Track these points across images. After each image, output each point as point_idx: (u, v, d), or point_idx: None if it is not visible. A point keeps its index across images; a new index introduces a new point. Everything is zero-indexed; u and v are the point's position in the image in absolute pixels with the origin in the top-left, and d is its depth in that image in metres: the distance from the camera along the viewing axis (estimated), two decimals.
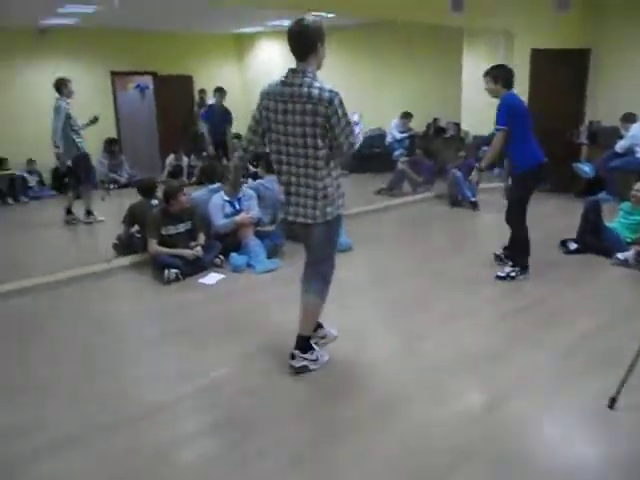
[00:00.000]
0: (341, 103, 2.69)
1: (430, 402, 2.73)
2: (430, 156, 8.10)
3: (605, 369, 2.88)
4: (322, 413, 2.67)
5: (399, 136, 9.03)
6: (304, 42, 2.69)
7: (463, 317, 3.72)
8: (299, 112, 2.68)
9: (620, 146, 6.86)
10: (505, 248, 4.62)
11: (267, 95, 2.79)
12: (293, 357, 3.00)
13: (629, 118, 6.91)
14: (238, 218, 4.89)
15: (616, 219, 5.13)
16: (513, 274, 4.33)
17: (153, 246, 4.62)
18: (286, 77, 2.73)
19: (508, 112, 4.13)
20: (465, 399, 2.76)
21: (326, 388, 2.89)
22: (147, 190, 5.22)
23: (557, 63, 7.70)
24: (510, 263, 4.42)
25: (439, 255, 5.09)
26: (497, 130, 4.15)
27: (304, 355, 3.00)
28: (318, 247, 2.94)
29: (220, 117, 8.06)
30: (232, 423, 2.61)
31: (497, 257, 4.67)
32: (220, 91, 8.14)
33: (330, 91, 2.66)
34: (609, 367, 2.83)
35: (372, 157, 9.52)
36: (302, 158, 2.76)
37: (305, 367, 2.99)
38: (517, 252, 4.40)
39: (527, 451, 2.34)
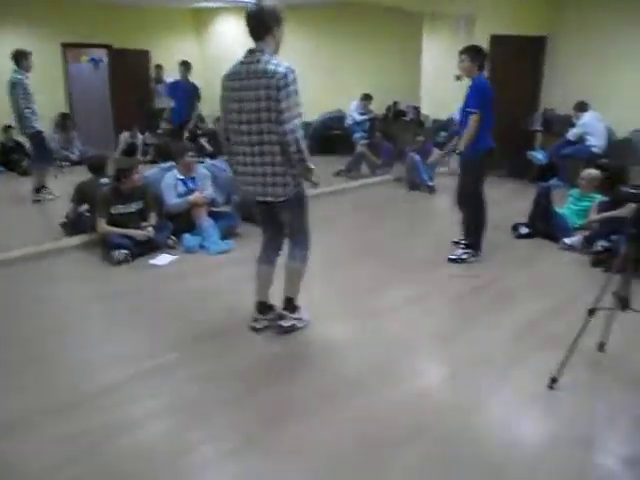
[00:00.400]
0: (295, 80, 2.68)
1: (383, 382, 2.75)
2: (389, 139, 8.12)
3: (550, 350, 2.95)
4: (274, 395, 2.65)
5: (359, 118, 9.00)
6: (260, 24, 2.74)
7: (417, 299, 3.75)
8: (254, 87, 2.70)
9: (572, 134, 7.03)
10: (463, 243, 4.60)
11: (227, 77, 2.85)
12: (281, 318, 3.17)
13: (581, 107, 7.08)
14: (191, 197, 4.78)
15: (566, 205, 5.27)
16: (464, 256, 4.41)
17: (102, 225, 4.48)
18: (244, 57, 2.79)
19: (480, 96, 4.19)
20: (417, 379, 2.79)
21: (279, 370, 2.88)
22: (97, 167, 5.05)
23: (515, 50, 7.78)
24: (462, 245, 4.49)
25: (395, 237, 5.12)
26: (469, 112, 4.17)
27: (293, 315, 3.18)
28: (291, 222, 3.03)
29: (187, 92, 7.75)
30: (180, 407, 2.57)
31: (456, 244, 4.69)
32: (185, 65, 7.79)
33: (287, 67, 2.68)
34: (554, 348, 2.90)
35: (331, 139, 9.48)
36: (256, 135, 2.76)
37: (294, 326, 3.18)
38: (472, 234, 4.46)
39: (474, 429, 2.40)
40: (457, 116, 4.68)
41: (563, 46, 7.88)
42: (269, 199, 2.89)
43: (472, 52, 4.25)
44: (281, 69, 2.66)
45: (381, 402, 2.59)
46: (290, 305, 3.20)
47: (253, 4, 2.78)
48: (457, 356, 3.04)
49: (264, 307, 3.24)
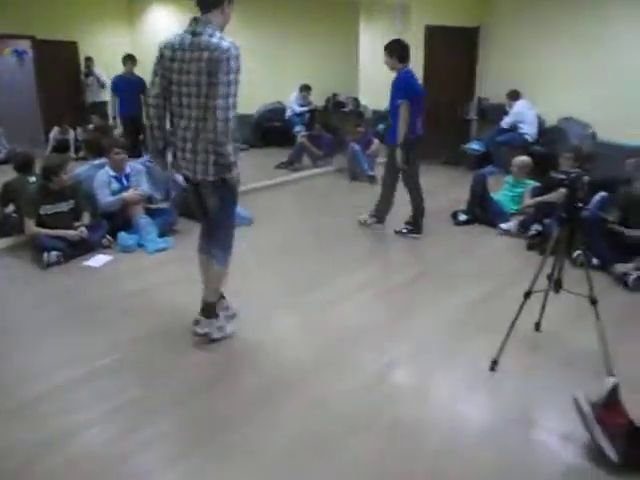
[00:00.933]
0: (237, 57, 2.55)
1: (327, 376, 2.74)
2: (330, 130, 8.10)
3: (489, 334, 3.03)
4: (217, 397, 2.59)
5: (299, 110, 8.95)
6: None
7: (359, 289, 3.76)
8: (196, 59, 2.57)
9: (505, 122, 7.24)
10: (406, 222, 4.90)
11: (167, 46, 2.68)
12: (197, 323, 2.95)
13: (514, 95, 7.30)
14: (126, 195, 4.59)
15: (501, 191, 5.42)
16: (404, 231, 4.82)
17: (30, 227, 4.24)
18: (188, 25, 2.64)
19: (406, 87, 4.47)
20: (360, 370, 2.79)
21: (221, 371, 2.80)
22: (23, 166, 4.76)
23: (449, 40, 7.94)
24: (405, 228, 4.86)
25: (337, 229, 5.12)
26: (399, 103, 4.41)
27: (209, 321, 2.96)
28: (212, 211, 2.85)
29: (133, 87, 7.41)
30: (120, 412, 2.46)
31: (397, 232, 4.91)
32: (131, 59, 7.46)
33: (230, 42, 2.56)
34: (492, 332, 2.97)
35: (272, 131, 9.39)
36: (195, 109, 2.63)
37: (209, 334, 2.95)
38: (414, 215, 4.83)
39: (419, 416, 2.42)
40: None
41: (495, 37, 8.09)
42: (198, 177, 2.72)
43: (389, 47, 4.52)
44: (225, 43, 2.54)
45: (325, 396, 2.58)
46: (207, 310, 2.96)
47: None
48: (399, 345, 3.07)
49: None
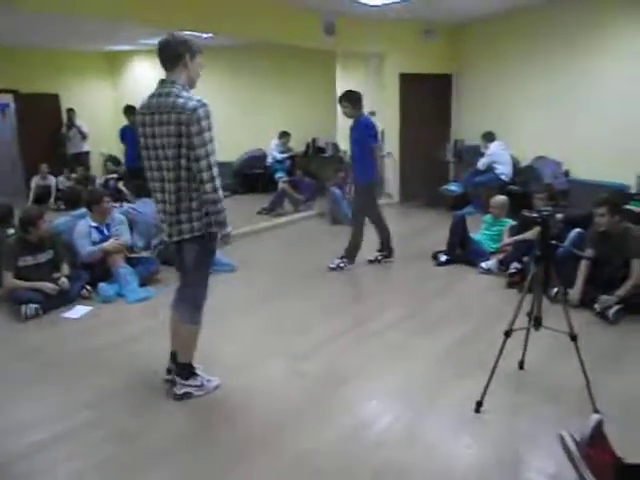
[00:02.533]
0: (207, 116, 2.53)
1: (308, 425, 2.68)
2: (310, 175, 8.23)
3: (473, 374, 3.02)
4: (193, 451, 2.51)
5: (279, 156, 9.09)
6: (169, 52, 2.63)
7: (341, 334, 3.73)
8: (165, 122, 2.55)
9: (481, 163, 7.41)
10: (379, 250, 5.28)
11: (139, 110, 2.69)
12: (174, 384, 2.86)
13: (488, 137, 7.51)
14: (106, 244, 4.56)
15: (480, 231, 5.50)
16: (380, 257, 5.23)
17: (8, 280, 4.18)
18: (156, 88, 2.66)
19: (374, 131, 4.83)
20: (342, 418, 2.74)
21: (203, 422, 2.75)
22: (1, 217, 4.74)
23: (423, 87, 8.22)
24: (379, 255, 5.28)
25: (319, 273, 5.12)
26: (374, 146, 4.81)
27: (186, 382, 2.87)
28: (188, 268, 2.77)
29: (136, 138, 7.45)
30: (96, 470, 2.38)
31: (371, 262, 5.30)
32: (131, 109, 7.56)
33: (198, 101, 2.54)
34: (477, 372, 2.97)
35: (253, 178, 9.51)
36: (172, 171, 2.58)
37: (188, 394, 2.87)
38: (350, 249, 5.14)
39: (404, 463, 2.37)
40: None
41: (467, 82, 8.40)
42: (175, 239, 2.67)
43: (352, 98, 4.86)
44: (191, 103, 2.50)
45: (310, 446, 2.52)
46: (181, 371, 2.87)
47: (165, 36, 2.66)
48: (382, 389, 3.03)
49: (174, 357, 2.96)
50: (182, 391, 2.87)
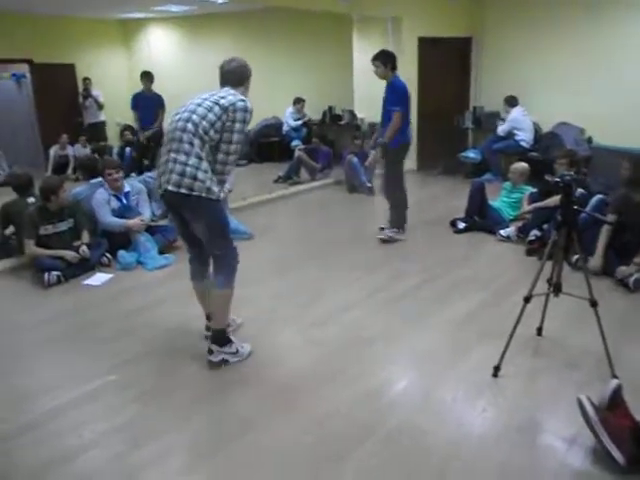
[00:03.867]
0: (250, 113, 2.74)
1: (328, 387, 2.72)
2: (327, 143, 8.15)
3: (491, 340, 3.02)
4: (218, 410, 2.58)
5: (294, 124, 9.02)
6: (239, 75, 2.89)
7: (360, 300, 3.75)
8: (211, 101, 2.73)
9: (501, 130, 7.28)
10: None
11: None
12: (211, 352, 2.92)
13: (511, 101, 7.32)
14: (130, 222, 4.58)
15: (499, 198, 5.44)
16: (391, 234, 4.91)
17: (30, 247, 4.26)
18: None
19: (399, 95, 4.62)
20: (361, 380, 2.77)
21: (224, 383, 2.80)
22: (22, 187, 4.77)
23: (442, 51, 8.02)
24: (387, 225, 4.98)
25: (336, 241, 5.12)
26: (394, 110, 4.57)
27: (222, 349, 2.92)
28: (206, 237, 2.80)
29: (151, 103, 7.42)
30: (121, 431, 2.45)
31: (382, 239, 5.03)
32: (147, 76, 7.43)
33: (245, 100, 2.75)
34: (495, 338, 2.97)
35: (269, 146, 9.45)
36: (192, 135, 2.66)
37: (225, 361, 2.93)
38: (396, 214, 4.93)
39: (422, 425, 2.40)
40: None
41: (488, 46, 8.17)
42: (182, 190, 2.63)
43: (383, 57, 4.65)
44: (241, 103, 2.72)
45: (329, 407, 2.56)
46: (217, 338, 2.92)
47: (229, 60, 2.90)
48: (401, 355, 3.06)
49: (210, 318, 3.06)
50: (219, 358, 2.92)
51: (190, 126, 2.67)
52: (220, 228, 2.83)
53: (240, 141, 2.73)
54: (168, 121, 2.89)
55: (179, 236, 3.05)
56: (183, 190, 2.64)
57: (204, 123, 2.66)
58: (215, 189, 2.68)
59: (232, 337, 3.00)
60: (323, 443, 2.31)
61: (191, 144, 2.66)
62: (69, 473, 2.19)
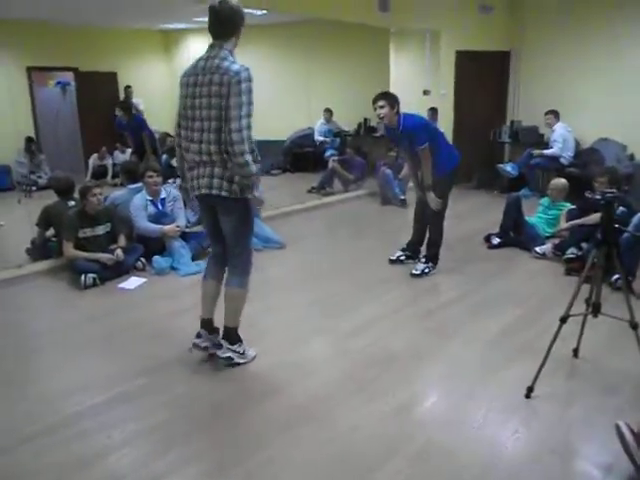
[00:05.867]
0: (248, 79, 2.58)
1: (356, 402, 2.69)
2: (361, 155, 8.15)
3: (524, 360, 2.95)
4: (245, 419, 2.58)
5: (321, 139, 9.12)
6: (228, 21, 2.67)
7: (391, 313, 3.72)
8: (207, 83, 2.63)
9: (557, 149, 7.00)
10: (404, 250, 4.72)
11: (184, 74, 2.78)
12: (220, 347, 2.93)
13: (556, 114, 7.12)
14: (166, 228, 4.67)
15: (536, 214, 5.33)
16: (427, 270, 4.42)
17: (69, 249, 4.37)
18: (205, 52, 2.72)
19: (424, 128, 4.20)
20: (391, 396, 2.73)
21: (251, 392, 2.80)
22: (63, 190, 4.91)
23: (480, 65, 7.95)
24: (423, 260, 4.49)
25: (368, 253, 5.10)
26: (422, 149, 4.10)
27: (231, 347, 2.95)
28: (231, 233, 2.84)
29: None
30: (148, 435, 2.47)
31: (393, 261, 4.70)
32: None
33: (241, 65, 2.61)
34: (528, 357, 2.90)
35: (303, 156, 9.51)
36: (207, 132, 2.66)
37: (230, 358, 2.95)
38: (434, 248, 4.47)
39: (451, 445, 2.35)
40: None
41: (526, 60, 8.07)
42: (213, 192, 2.70)
43: (391, 99, 4.09)
44: (236, 66, 2.59)
45: (355, 422, 2.53)
46: (229, 335, 2.95)
47: (219, 2, 2.66)
48: (431, 371, 3.01)
49: (207, 325, 3.04)
50: (226, 354, 2.94)
51: (204, 135, 2.67)
52: (246, 229, 2.88)
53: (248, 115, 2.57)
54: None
55: (206, 231, 3.06)
56: (214, 191, 2.71)
57: (214, 123, 2.62)
58: (235, 186, 2.69)
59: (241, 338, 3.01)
60: (348, 458, 2.28)
61: (211, 154, 2.68)
62: (95, 475, 2.22)
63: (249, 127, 2.60)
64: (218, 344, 2.97)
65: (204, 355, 3.11)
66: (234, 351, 2.96)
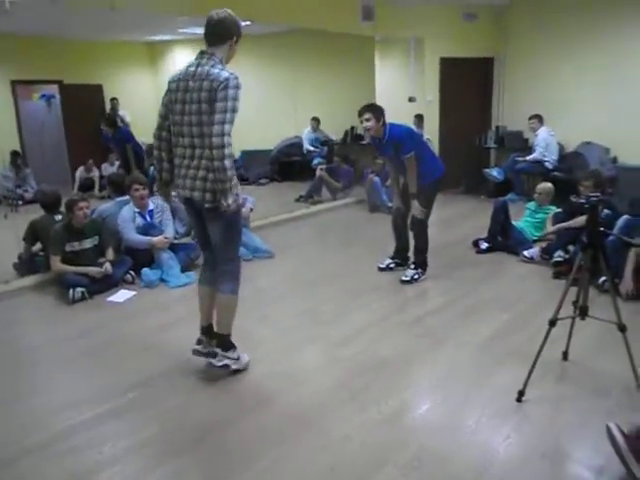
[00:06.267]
0: (236, 86, 2.60)
1: (349, 410, 2.69)
2: (348, 163, 8.18)
3: (515, 363, 2.97)
4: (237, 431, 2.56)
5: (311, 148, 9.15)
6: (221, 29, 2.72)
7: (381, 320, 3.73)
8: (197, 89, 2.65)
9: (539, 153, 7.06)
10: (393, 257, 4.74)
11: (172, 78, 2.80)
12: (214, 355, 2.95)
13: (540, 118, 7.21)
14: (155, 240, 4.65)
15: (523, 218, 5.38)
16: (416, 277, 4.43)
17: (56, 264, 4.33)
18: (195, 59, 2.75)
19: (410, 137, 4.26)
20: (382, 405, 2.72)
21: (244, 403, 2.79)
22: (49, 204, 4.87)
23: (464, 70, 8.03)
24: (412, 266, 4.51)
25: (357, 261, 5.11)
26: (407, 158, 4.15)
27: (226, 354, 2.96)
28: (219, 240, 2.84)
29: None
30: (140, 449, 2.45)
31: (383, 269, 4.71)
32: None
33: (231, 73, 2.63)
34: (518, 361, 2.92)
35: (291, 165, 9.52)
36: (197, 138, 2.68)
37: (227, 366, 2.97)
38: (421, 255, 4.49)
39: (443, 450, 2.35)
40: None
41: (510, 66, 8.16)
42: (195, 195, 2.72)
43: (376, 111, 4.15)
44: (224, 74, 2.61)
45: (347, 430, 2.52)
46: (222, 342, 2.97)
47: (216, 12, 2.74)
48: (422, 377, 3.02)
49: (207, 331, 3.06)
50: (222, 363, 2.97)
51: (195, 140, 2.69)
52: (233, 236, 2.89)
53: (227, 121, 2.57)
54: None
55: (196, 235, 3.08)
56: (197, 199, 2.73)
57: (205, 129, 2.63)
58: (227, 201, 2.67)
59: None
60: (341, 466, 2.28)
61: (200, 157, 2.69)
62: None
63: (230, 134, 2.59)
64: (212, 353, 2.98)
65: (196, 367, 3.10)
66: (229, 358, 2.98)
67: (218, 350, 2.98)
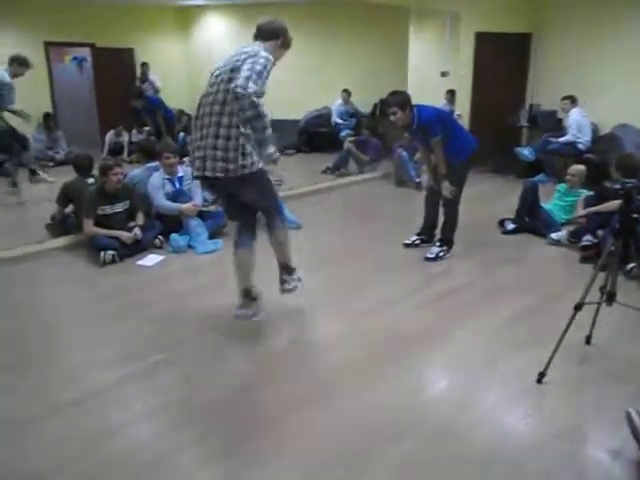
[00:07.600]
0: (267, 60, 2.75)
1: (369, 381, 2.75)
2: (377, 136, 8.11)
3: (536, 345, 2.98)
4: (259, 396, 2.65)
5: (340, 121, 9.10)
6: (269, 29, 2.99)
7: (404, 297, 3.75)
8: (232, 62, 2.80)
9: (572, 135, 6.90)
10: (419, 234, 4.77)
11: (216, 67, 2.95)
12: (283, 282, 3.29)
13: (573, 99, 7.03)
14: (184, 207, 4.73)
15: (552, 200, 5.30)
16: (441, 254, 4.45)
17: (88, 226, 4.44)
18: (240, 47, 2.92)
19: (438, 119, 4.21)
20: (402, 378, 2.78)
21: (267, 371, 2.87)
22: (83, 167, 4.97)
23: (500, 47, 7.83)
24: (438, 244, 4.52)
25: (383, 235, 5.12)
26: (434, 142, 4.16)
27: (292, 277, 3.30)
28: (256, 199, 3.04)
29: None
30: (166, 409, 2.55)
31: (408, 245, 4.74)
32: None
33: (265, 49, 2.85)
34: (540, 344, 2.93)
35: (318, 136, 9.49)
36: (218, 105, 2.80)
37: (296, 287, 3.32)
38: (447, 232, 4.52)
39: (461, 427, 2.40)
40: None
41: (547, 44, 7.92)
42: (218, 174, 2.83)
43: (400, 101, 4.12)
44: (262, 52, 2.79)
45: (366, 402, 2.58)
46: (288, 269, 3.31)
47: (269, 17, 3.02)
48: (443, 354, 3.05)
49: (248, 294, 3.21)
50: (292, 285, 3.31)
51: (217, 107, 2.79)
52: (267, 190, 3.07)
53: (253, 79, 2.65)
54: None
55: (225, 210, 3.37)
56: (219, 174, 2.81)
57: (229, 96, 2.73)
58: (249, 162, 2.79)
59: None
60: (359, 436, 2.34)
61: (218, 124, 2.78)
62: (113, 448, 2.30)
63: (257, 93, 2.63)
64: (282, 280, 3.31)
65: (223, 331, 3.19)
66: (295, 280, 3.31)
67: (285, 275, 3.29)
